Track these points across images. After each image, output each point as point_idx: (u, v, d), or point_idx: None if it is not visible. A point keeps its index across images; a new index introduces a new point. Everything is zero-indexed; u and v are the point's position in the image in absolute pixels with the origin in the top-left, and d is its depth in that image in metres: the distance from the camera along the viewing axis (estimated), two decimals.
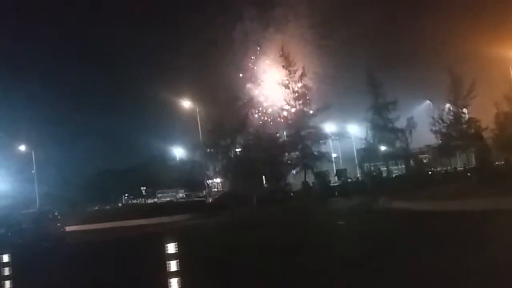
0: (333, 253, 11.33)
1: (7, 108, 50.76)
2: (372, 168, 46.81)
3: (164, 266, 6.75)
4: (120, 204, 58.94)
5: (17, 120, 51.64)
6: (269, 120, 53.82)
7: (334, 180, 49.14)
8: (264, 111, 55.73)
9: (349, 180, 48.74)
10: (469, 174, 35.23)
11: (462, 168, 44.79)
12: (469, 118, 44.64)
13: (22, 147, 52.38)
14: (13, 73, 57.57)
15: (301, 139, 47.56)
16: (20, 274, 9.94)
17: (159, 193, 56.56)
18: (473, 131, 44.13)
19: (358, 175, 49.75)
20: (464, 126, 44.49)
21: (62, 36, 70.21)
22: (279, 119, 51.68)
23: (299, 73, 47.57)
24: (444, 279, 7.66)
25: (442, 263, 8.75)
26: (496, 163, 41.08)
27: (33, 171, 51.88)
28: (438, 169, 47.84)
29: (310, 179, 47.52)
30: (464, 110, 44.37)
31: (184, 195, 55.43)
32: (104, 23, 66.93)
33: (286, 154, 49.17)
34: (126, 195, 61.69)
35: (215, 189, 54.34)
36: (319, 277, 8.81)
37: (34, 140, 51.64)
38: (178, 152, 60.90)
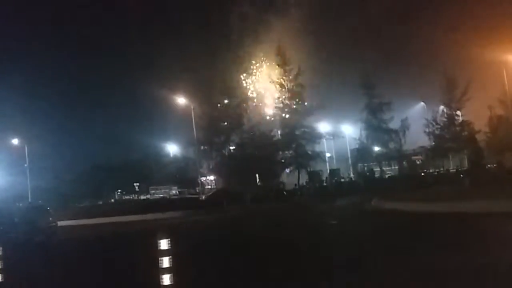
0: (321, 252, 11.40)
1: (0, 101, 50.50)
2: (365, 168, 47.03)
3: (156, 263, 6.74)
4: (112, 200, 58.76)
5: (10, 114, 51.27)
6: (264, 118, 53.81)
7: (327, 180, 49.27)
8: (259, 109, 55.72)
9: (342, 180, 48.89)
10: (462, 176, 35.46)
11: (454, 170, 45.08)
12: (463, 121, 45.00)
13: (15, 141, 52.09)
14: (5, 66, 57.18)
15: (295, 138, 47.66)
16: (11, 267, 9.91)
17: (152, 189, 56.35)
18: (466, 133, 44.50)
19: (352, 175, 49.91)
20: (458, 128, 44.85)
21: (57, 30, 69.78)
22: (273, 117, 51.73)
23: (294, 72, 47.65)
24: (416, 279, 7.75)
25: (421, 264, 8.80)
26: (489, 165, 41.43)
27: (25, 165, 51.62)
28: (431, 170, 48.09)
29: (304, 178, 47.69)
30: (458, 112, 44.70)
31: (177, 192, 55.33)
32: (99, 18, 66.52)
33: (280, 152, 49.29)
34: (119, 190, 61.48)
35: (209, 187, 54.30)
36: (304, 275, 8.86)
37: (27, 134, 51.40)
38: (172, 148, 60.81)
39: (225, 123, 49.59)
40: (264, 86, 54.30)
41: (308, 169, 48.11)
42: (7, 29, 59.06)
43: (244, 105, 52.23)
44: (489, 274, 7.62)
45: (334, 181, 48.22)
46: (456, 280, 7.50)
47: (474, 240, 11.15)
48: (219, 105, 50.53)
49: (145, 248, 8.84)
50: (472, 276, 7.63)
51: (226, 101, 51.00)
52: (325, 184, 47.04)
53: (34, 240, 22.68)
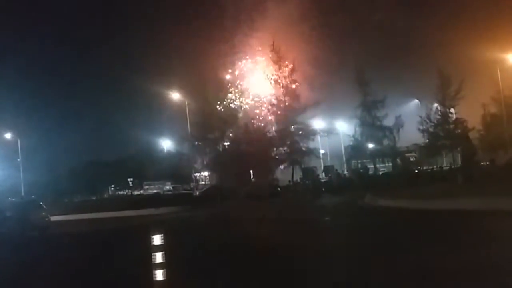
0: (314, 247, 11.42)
1: None
2: (359, 165, 47.06)
3: (149, 258, 6.74)
4: (106, 195, 58.60)
5: (3, 108, 50.95)
6: (258, 114, 53.78)
7: (321, 176, 49.32)
8: (254, 105, 55.65)
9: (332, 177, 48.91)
10: (456, 174, 35.54)
11: (448, 168, 45.20)
12: (456, 118, 45.06)
13: (8, 135, 51.77)
14: None
15: (289, 134, 47.70)
16: (3, 262, 9.89)
17: (146, 185, 56.30)
18: (459, 131, 44.58)
19: (345, 171, 49.96)
20: (451, 126, 44.90)
21: (50, 24, 69.43)
22: (268, 114, 51.70)
23: (289, 68, 47.61)
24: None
25: (408, 261, 8.83)
26: (482, 163, 41.58)
27: (18, 160, 51.34)
28: (425, 168, 48.20)
29: (298, 174, 47.72)
30: (452, 110, 44.77)
31: (171, 188, 55.29)
32: (94, 13, 66.18)
33: (274, 149, 49.28)
34: (113, 186, 61.35)
35: (203, 182, 54.26)
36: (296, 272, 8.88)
37: (20, 128, 51.12)
38: (166, 144, 60.68)
39: (220, 119, 49.50)
40: (259, 82, 54.20)
41: (302, 166, 48.17)
42: (1, 22, 58.67)
43: (239, 101, 52.18)
44: (481, 271, 7.64)
45: (328, 177, 48.25)
46: (444, 277, 7.52)
47: (466, 237, 11.19)
48: (213, 101, 50.37)
49: (138, 244, 8.82)
50: (463, 273, 7.63)
51: (220, 97, 50.93)
52: (329, 178, 47.05)
53: (26, 235, 22.58)
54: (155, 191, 53.14)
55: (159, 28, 54.05)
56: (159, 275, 6.65)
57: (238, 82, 55.41)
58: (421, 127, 45.92)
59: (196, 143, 49.98)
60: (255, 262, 10.03)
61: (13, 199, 39.74)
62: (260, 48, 53.44)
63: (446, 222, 14.63)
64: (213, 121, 48.92)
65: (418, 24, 49.16)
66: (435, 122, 45.36)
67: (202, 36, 51.13)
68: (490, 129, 45.11)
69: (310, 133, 48.17)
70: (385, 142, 45.93)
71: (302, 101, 47.92)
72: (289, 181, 46.49)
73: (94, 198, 54.42)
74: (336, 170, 48.95)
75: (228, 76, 54.10)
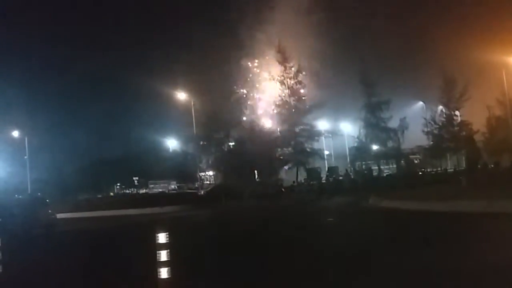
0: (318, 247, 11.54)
1: (0, 93, 50.55)
2: (364, 166, 47.03)
3: (154, 256, 6.85)
4: (112, 193, 58.96)
5: (11, 106, 51.33)
6: (263, 115, 53.87)
7: (329, 177, 49.28)
8: (259, 106, 55.75)
9: (340, 177, 48.93)
10: (460, 177, 35.51)
11: (452, 170, 45.17)
12: (461, 121, 45.04)
13: (16, 133, 52.15)
14: (6, 59, 57.18)
15: (294, 135, 47.75)
16: (10, 258, 10.06)
17: (151, 183, 56.60)
18: (464, 133, 44.55)
19: (350, 173, 49.95)
20: (456, 128, 44.89)
21: (56, 23, 69.83)
22: (273, 114, 51.76)
23: (294, 69, 47.70)
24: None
25: (411, 263, 8.88)
26: (488, 166, 41.41)
27: (25, 157, 51.71)
28: (429, 170, 48.17)
29: (302, 175, 47.79)
30: (457, 112, 44.75)
31: (176, 187, 55.58)
32: (99, 12, 66.59)
33: (279, 149, 49.36)
34: (118, 184, 61.74)
35: (207, 182, 54.45)
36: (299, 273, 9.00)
37: (27, 126, 51.48)
38: (172, 143, 60.92)
39: (225, 119, 49.65)
40: (264, 82, 54.31)
41: (307, 167, 48.26)
42: (9, 21, 59.09)
43: (244, 101, 52.30)
44: (485, 273, 7.70)
45: (332, 178, 48.19)
46: (447, 280, 7.60)
47: (469, 239, 11.23)
48: (218, 100, 50.55)
49: (143, 242, 8.96)
50: (467, 276, 7.68)
51: (226, 97, 51.08)
52: (333, 179, 46.95)
53: (33, 232, 22.81)
54: (160, 190, 53.42)
55: (165, 28, 54.30)
56: (163, 273, 6.76)
57: (243, 81, 55.52)
58: (425, 129, 45.97)
59: (201, 142, 50.17)
60: (259, 261, 10.14)
61: (20, 197, 40.11)
62: (266, 49, 53.52)
63: (448, 224, 14.71)
64: (218, 121, 49.08)
65: (423, 26, 49.16)
66: (440, 124, 45.38)
67: (208, 35, 51.31)
68: (495, 131, 45.02)
69: (314, 134, 48.25)
70: (390, 143, 45.93)
71: (307, 102, 48.04)
72: (293, 182, 46.57)
73: (99, 196, 54.77)
74: (346, 170, 48.91)
75: (234, 76, 54.17)
